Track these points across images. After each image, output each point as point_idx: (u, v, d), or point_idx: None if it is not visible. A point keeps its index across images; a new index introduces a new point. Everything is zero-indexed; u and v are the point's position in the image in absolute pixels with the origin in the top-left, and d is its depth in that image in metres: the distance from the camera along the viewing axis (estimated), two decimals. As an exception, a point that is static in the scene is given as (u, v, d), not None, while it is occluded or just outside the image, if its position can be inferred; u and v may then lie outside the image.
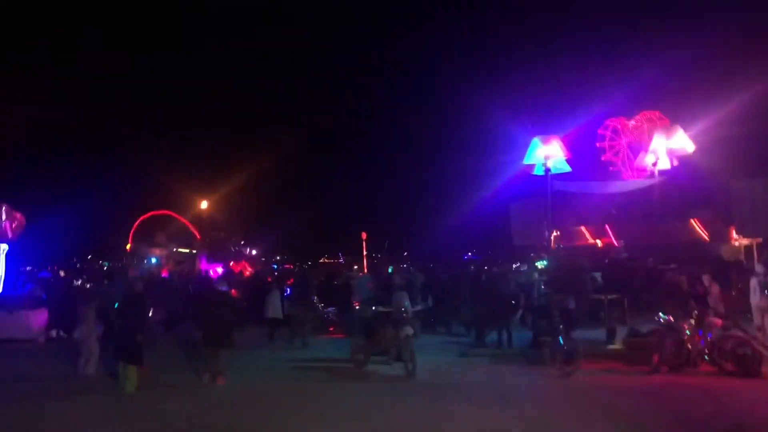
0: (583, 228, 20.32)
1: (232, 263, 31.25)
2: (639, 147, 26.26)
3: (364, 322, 13.18)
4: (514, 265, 23.25)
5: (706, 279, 12.94)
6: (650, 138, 25.80)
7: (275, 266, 42.06)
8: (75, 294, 18.47)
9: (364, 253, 21.75)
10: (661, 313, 12.12)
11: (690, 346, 11.74)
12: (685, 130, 13.78)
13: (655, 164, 14.40)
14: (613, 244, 17.09)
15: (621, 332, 15.33)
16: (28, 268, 23.47)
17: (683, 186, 14.91)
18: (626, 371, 12.20)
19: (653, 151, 14.10)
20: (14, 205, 20.83)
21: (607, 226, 20.87)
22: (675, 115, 16.54)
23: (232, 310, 12.18)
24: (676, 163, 14.01)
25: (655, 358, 11.79)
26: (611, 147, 29.11)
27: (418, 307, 16.83)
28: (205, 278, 23.88)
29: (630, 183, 18.76)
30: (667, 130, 13.72)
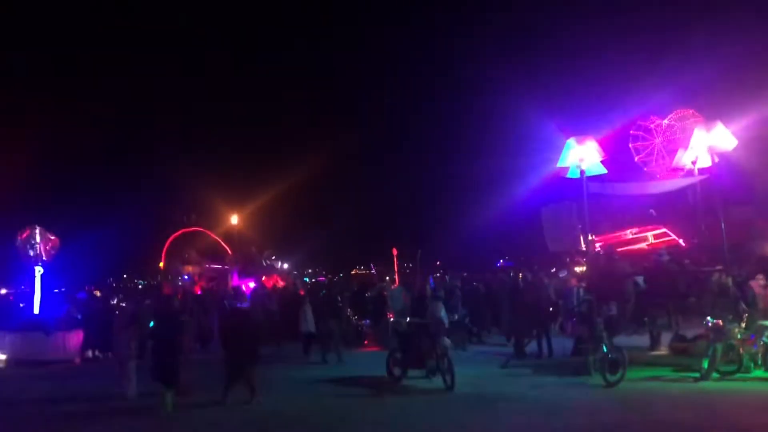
0: (629, 231, 19.86)
1: (264, 277, 31.18)
2: (673, 146, 25.65)
3: (400, 335, 12.89)
4: (551, 271, 22.80)
5: (761, 279, 12.38)
6: (684, 136, 25.18)
7: (306, 279, 42.00)
8: (112, 314, 18.52)
9: (396, 269, 21.48)
10: (709, 317, 11.63)
11: (741, 351, 11.25)
12: (725, 125, 13.30)
13: (694, 162, 13.91)
14: (664, 244, 16.59)
15: (665, 337, 14.86)
16: (62, 289, 23.65)
17: (724, 184, 14.40)
18: (674, 379, 11.76)
19: (693, 148, 13.61)
20: (48, 227, 21.03)
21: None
22: (713, 111, 16.02)
23: (253, 326, 11.98)
24: (716, 159, 13.49)
25: (705, 364, 11.31)
26: (644, 147, 28.49)
27: (456, 317, 16.47)
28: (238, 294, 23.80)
29: (669, 183, 18.20)
30: (707, 125, 13.21)
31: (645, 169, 27.79)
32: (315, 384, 12.79)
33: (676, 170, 22.28)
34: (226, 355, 11.41)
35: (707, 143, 13.16)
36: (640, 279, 14.32)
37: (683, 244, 16.17)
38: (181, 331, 11.61)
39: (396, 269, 21.87)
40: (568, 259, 23.45)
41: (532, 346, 15.13)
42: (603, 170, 14.14)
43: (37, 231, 20.02)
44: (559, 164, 13.92)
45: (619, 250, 17.91)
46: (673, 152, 26.23)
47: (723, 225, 13.20)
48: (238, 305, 12.07)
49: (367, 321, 19.70)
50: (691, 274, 13.59)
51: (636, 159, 28.25)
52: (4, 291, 32.16)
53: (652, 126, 28.52)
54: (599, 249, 17.38)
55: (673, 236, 18.66)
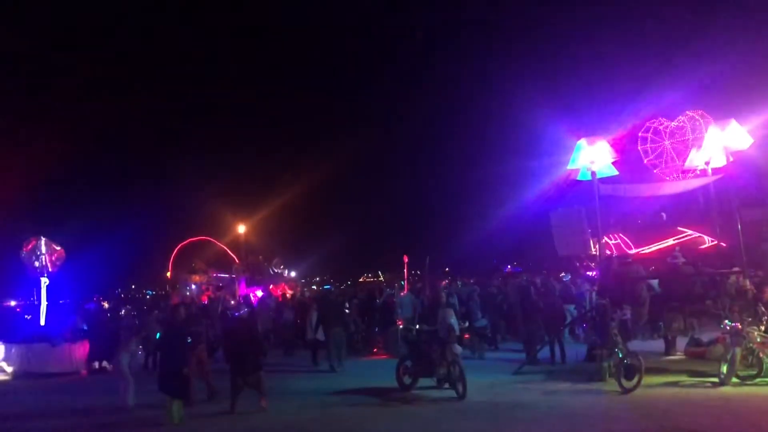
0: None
1: (271, 286, 31.02)
2: (683, 147, 25.38)
3: (410, 342, 12.63)
4: (560, 275, 22.52)
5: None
6: (693, 138, 24.77)
7: (313, 287, 41.88)
8: (116, 324, 18.34)
9: (406, 275, 21.28)
10: (727, 320, 11.33)
11: (762, 355, 10.94)
12: (739, 123, 12.99)
13: (708, 162, 13.60)
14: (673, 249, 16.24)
15: (680, 342, 14.56)
16: (67, 300, 23.49)
17: (739, 184, 14.07)
18: (692, 384, 11.47)
19: (706, 148, 13.31)
20: (55, 238, 20.92)
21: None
22: (726, 109, 15.67)
23: (253, 334, 11.80)
24: (731, 159, 13.17)
25: (724, 368, 11.01)
26: (653, 150, 28.19)
27: (466, 324, 16.12)
28: (246, 303, 23.61)
29: (683, 183, 17.86)
30: (721, 123, 12.90)
31: (654, 171, 27.52)
32: (323, 393, 12.52)
33: (687, 172, 21.98)
34: (230, 364, 11.23)
35: (722, 142, 12.85)
36: (654, 282, 14.03)
37: (723, 244, 15.73)
38: (187, 342, 11.43)
39: (405, 276, 21.65)
40: (577, 264, 23.14)
41: (544, 352, 14.83)
42: (614, 172, 13.87)
43: (42, 242, 19.90)
44: (570, 166, 13.66)
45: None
46: (682, 154, 25.97)
47: (739, 226, 12.88)
48: (236, 314, 11.88)
49: (376, 328, 19.43)
50: (707, 277, 13.27)
51: (645, 161, 27.98)
52: (13, 303, 32.07)
53: (660, 128, 28.24)
54: (613, 252, 17.03)
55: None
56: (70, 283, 23.63)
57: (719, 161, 13.38)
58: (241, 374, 10.97)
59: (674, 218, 22.50)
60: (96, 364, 17.80)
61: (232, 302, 24.56)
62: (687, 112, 27.16)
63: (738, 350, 10.92)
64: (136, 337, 12.34)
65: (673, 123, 27.59)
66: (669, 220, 22.11)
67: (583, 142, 13.17)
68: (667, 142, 27.78)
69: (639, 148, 28.22)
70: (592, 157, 13.00)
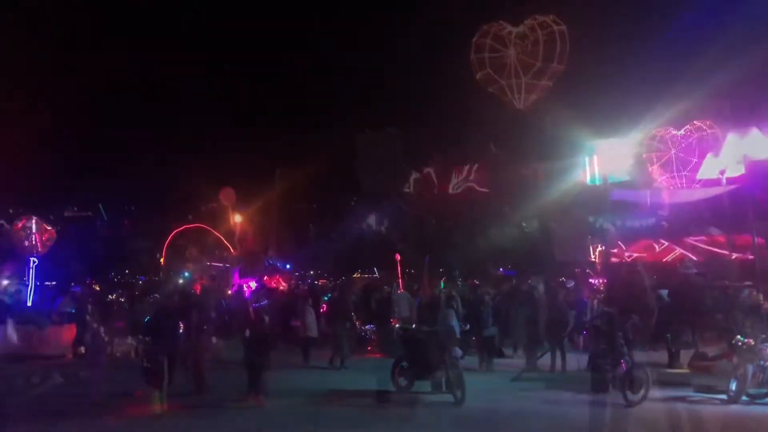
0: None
1: (265, 278, 30.57)
2: (690, 157, 25.13)
3: (407, 343, 12.17)
4: (560, 280, 22.10)
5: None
6: (700, 148, 24.40)
7: (308, 281, 41.34)
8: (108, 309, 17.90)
9: (399, 274, 20.94)
10: (739, 336, 10.91)
11: (774, 373, 10.52)
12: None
13: (722, 172, 13.14)
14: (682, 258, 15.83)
15: (685, 355, 14.15)
16: (50, 283, 23.04)
17: (754, 196, 13.61)
18: (699, 400, 11.03)
19: (724, 157, 12.86)
20: (48, 219, 20.54)
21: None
22: (743, 117, 15.24)
23: (268, 328, 11.45)
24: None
25: (732, 385, 10.60)
26: (659, 158, 27.90)
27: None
28: (240, 294, 23.16)
29: (698, 192, 17.47)
30: (742, 131, 12.42)
31: (659, 179, 27.21)
32: (314, 392, 12.05)
33: (693, 181, 21.65)
34: (246, 358, 11.00)
35: (741, 151, 12.37)
36: (664, 292, 13.59)
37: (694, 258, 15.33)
38: (175, 331, 11.12)
39: (399, 274, 21.30)
40: (577, 270, 22.77)
41: (543, 359, 14.40)
42: (626, 176, 13.45)
43: (33, 221, 19.50)
44: (581, 169, 13.21)
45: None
46: (688, 163, 25.67)
47: (755, 238, 12.47)
48: (256, 305, 11.57)
49: (371, 326, 18.99)
50: (719, 290, 12.85)
51: (650, 169, 27.65)
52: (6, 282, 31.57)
53: (666, 137, 27.93)
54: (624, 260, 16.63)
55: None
56: (62, 264, 23.22)
57: (736, 170, 12.91)
58: (249, 365, 10.76)
59: (678, 228, 22.18)
60: (82, 349, 17.37)
61: (229, 292, 24.15)
62: (694, 121, 26.87)
63: (750, 367, 10.51)
64: (107, 323, 11.97)
65: (680, 132, 27.30)
66: (673, 228, 21.79)
67: (597, 144, 12.72)
68: (673, 152, 27.48)
69: (644, 156, 27.91)
70: (606, 160, 12.53)
